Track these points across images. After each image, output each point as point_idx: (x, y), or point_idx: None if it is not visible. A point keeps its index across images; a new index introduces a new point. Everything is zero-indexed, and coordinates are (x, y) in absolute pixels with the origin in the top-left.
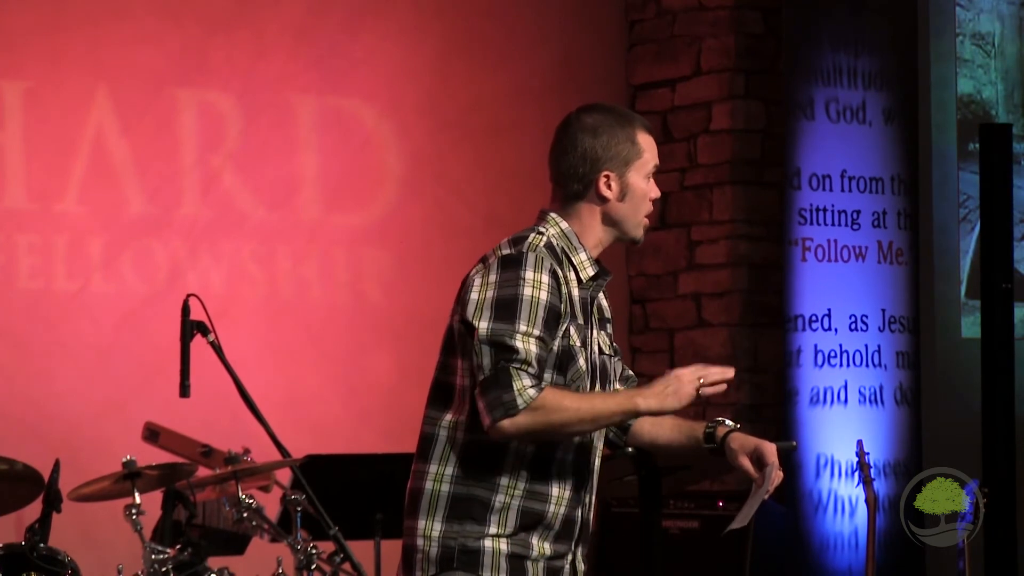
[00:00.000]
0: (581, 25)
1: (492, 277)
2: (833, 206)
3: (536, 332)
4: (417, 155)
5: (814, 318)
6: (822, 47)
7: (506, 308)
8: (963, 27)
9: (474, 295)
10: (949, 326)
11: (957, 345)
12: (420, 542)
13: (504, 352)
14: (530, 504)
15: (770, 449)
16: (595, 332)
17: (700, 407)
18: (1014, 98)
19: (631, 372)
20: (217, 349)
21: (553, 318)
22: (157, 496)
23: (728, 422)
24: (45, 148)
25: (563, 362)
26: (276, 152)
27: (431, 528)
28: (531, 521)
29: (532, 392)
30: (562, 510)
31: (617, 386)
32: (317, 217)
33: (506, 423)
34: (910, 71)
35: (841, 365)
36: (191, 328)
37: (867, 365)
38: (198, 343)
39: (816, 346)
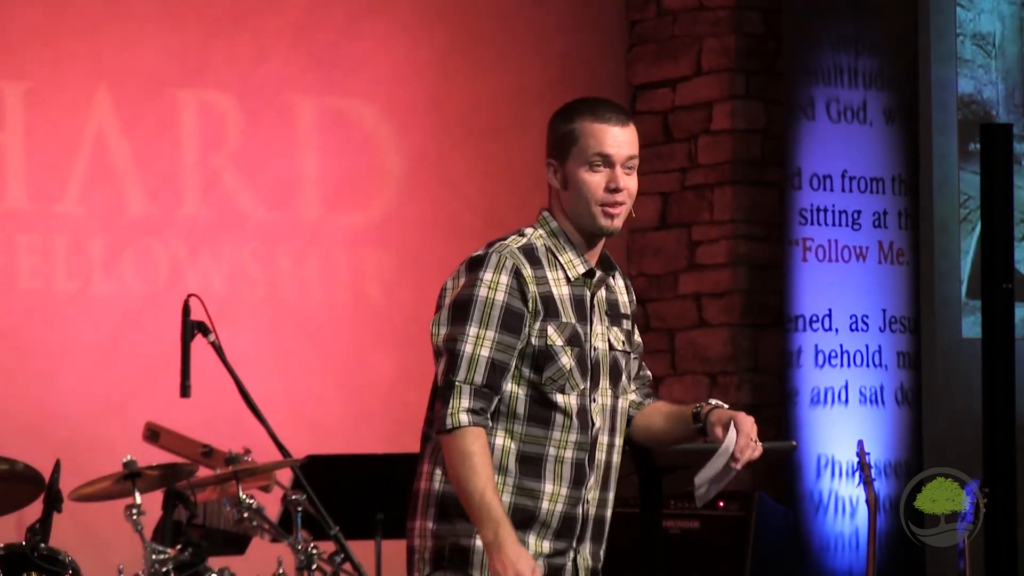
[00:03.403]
0: (581, 25)
1: (459, 280)
2: (834, 206)
3: (490, 334)
4: (417, 155)
5: (815, 318)
6: (822, 47)
7: (461, 310)
8: (963, 27)
9: (443, 300)
10: (950, 326)
11: (958, 345)
12: (417, 542)
13: (453, 359)
14: (522, 501)
15: (743, 418)
16: (601, 328)
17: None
18: (1015, 98)
19: (648, 373)
20: (218, 349)
21: (512, 319)
22: (158, 496)
23: (715, 401)
24: (46, 148)
25: (539, 361)
26: (276, 152)
27: (425, 528)
28: (524, 518)
29: (463, 418)
30: (559, 507)
31: (632, 386)
32: (317, 217)
33: (441, 438)
34: (911, 71)
35: (842, 365)
36: (192, 328)
37: (868, 365)
38: (199, 343)
39: (817, 346)
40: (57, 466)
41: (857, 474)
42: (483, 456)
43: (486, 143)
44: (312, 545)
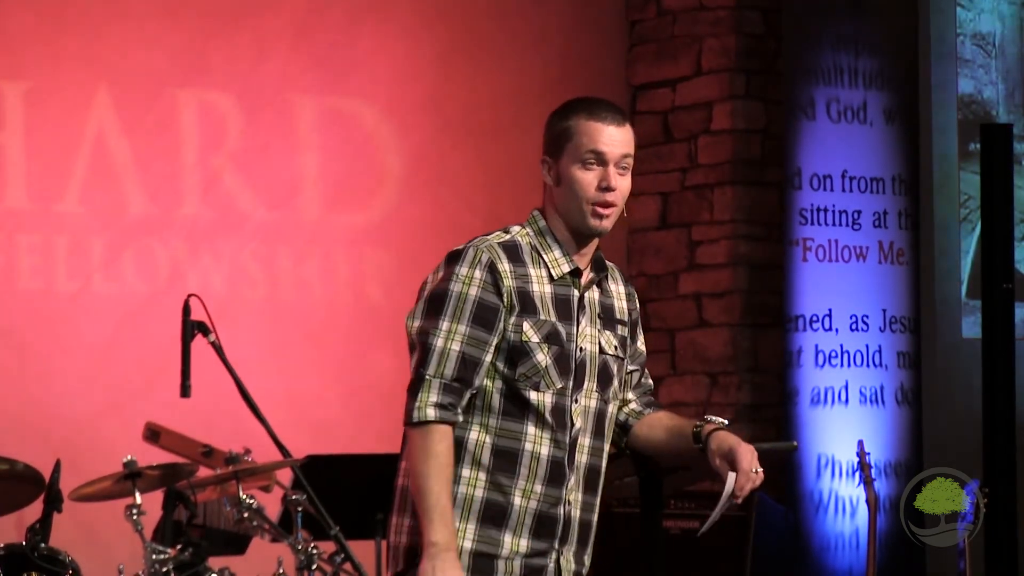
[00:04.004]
0: (581, 25)
1: (437, 275)
2: (834, 206)
3: (462, 328)
4: (417, 155)
5: (815, 318)
6: (822, 47)
7: (435, 304)
8: (964, 27)
9: (421, 293)
10: (950, 326)
11: (958, 345)
12: (393, 538)
13: (425, 353)
14: (493, 496)
15: (743, 451)
16: (591, 330)
17: (700, 406)
18: (1015, 98)
19: (650, 382)
20: (218, 349)
21: (486, 313)
22: (158, 496)
23: (715, 419)
24: (46, 148)
25: (514, 357)
26: (276, 152)
27: (401, 524)
28: (495, 514)
29: (430, 412)
30: (532, 504)
31: (629, 395)
32: (317, 217)
33: (407, 429)
34: (911, 71)
35: (842, 365)
36: (192, 328)
37: (868, 365)
38: (199, 343)
39: (817, 346)
40: (57, 466)
41: (857, 474)
42: (447, 457)
43: (486, 143)
44: (312, 545)
